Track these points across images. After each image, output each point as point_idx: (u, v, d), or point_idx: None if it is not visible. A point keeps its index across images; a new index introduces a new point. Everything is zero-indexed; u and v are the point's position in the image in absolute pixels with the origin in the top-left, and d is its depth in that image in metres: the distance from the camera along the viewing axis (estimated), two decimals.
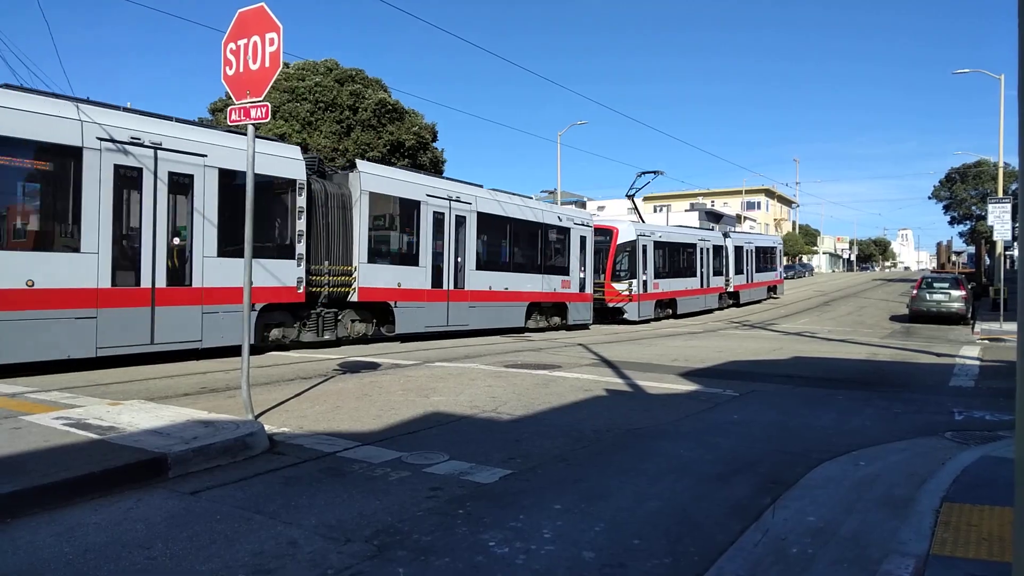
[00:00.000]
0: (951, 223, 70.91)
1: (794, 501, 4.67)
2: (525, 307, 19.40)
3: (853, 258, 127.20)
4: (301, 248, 13.00)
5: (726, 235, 33.92)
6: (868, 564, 3.60)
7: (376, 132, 32.21)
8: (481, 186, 18.70)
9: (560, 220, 21.31)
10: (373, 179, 14.76)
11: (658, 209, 79.43)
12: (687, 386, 9.78)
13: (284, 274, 12.71)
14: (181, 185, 11.30)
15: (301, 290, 12.95)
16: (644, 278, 25.02)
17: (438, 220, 16.17)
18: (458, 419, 7.25)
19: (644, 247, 25.10)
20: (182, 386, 8.74)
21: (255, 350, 12.15)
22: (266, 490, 4.84)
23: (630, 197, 29.00)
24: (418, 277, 15.59)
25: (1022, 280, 2.04)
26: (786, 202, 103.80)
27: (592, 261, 22.89)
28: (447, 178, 18.46)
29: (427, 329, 15.81)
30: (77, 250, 9.88)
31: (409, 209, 15.61)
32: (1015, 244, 24.82)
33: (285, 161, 12.86)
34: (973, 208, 65.62)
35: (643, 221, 28.76)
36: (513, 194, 20.65)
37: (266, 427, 6.19)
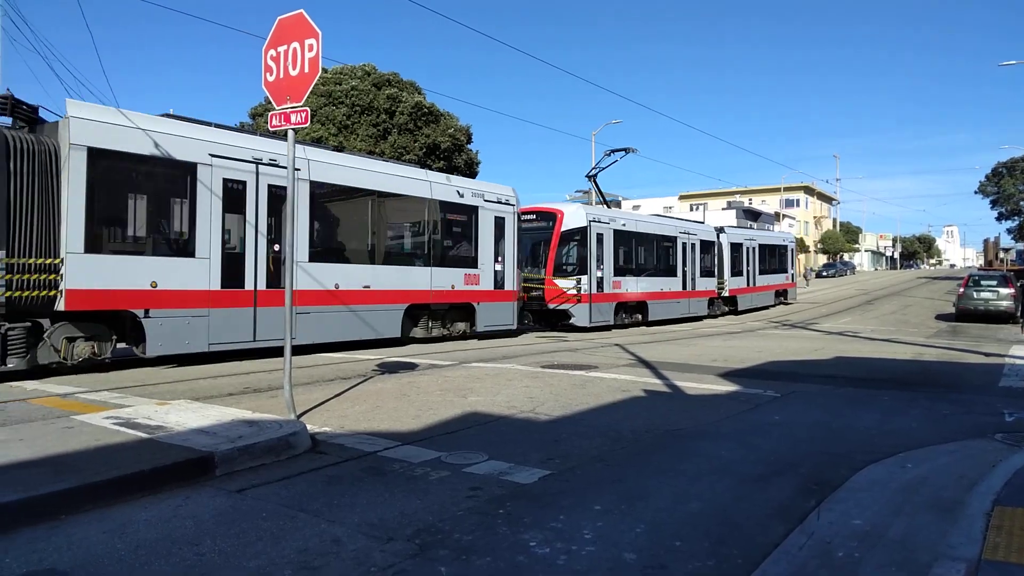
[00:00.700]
0: (998, 219, 68.94)
1: (839, 503, 4.59)
2: (402, 311, 14.60)
3: (896, 256, 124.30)
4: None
5: (721, 230, 28.99)
6: (917, 568, 3.53)
7: (412, 135, 32.50)
8: (320, 146, 14.62)
9: (461, 196, 16.13)
10: (97, 129, 9.94)
11: (694, 208, 78.66)
12: (727, 387, 9.67)
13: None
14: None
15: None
16: (599, 274, 20.50)
17: (234, 192, 11.62)
18: (496, 419, 7.28)
19: (599, 236, 20.66)
20: (226, 386, 8.93)
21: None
22: (309, 489, 4.93)
23: (591, 178, 25.47)
24: (193, 273, 11.06)
25: None
26: (826, 199, 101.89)
27: (515, 250, 17.71)
28: (256, 135, 13.01)
29: (217, 347, 11.29)
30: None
31: (174, 175, 11.05)
32: None
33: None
34: (1021, 203, 63.60)
35: (608, 206, 25.19)
36: (379, 158, 17.20)
37: (308, 427, 6.29)
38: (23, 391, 8.47)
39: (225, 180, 11.58)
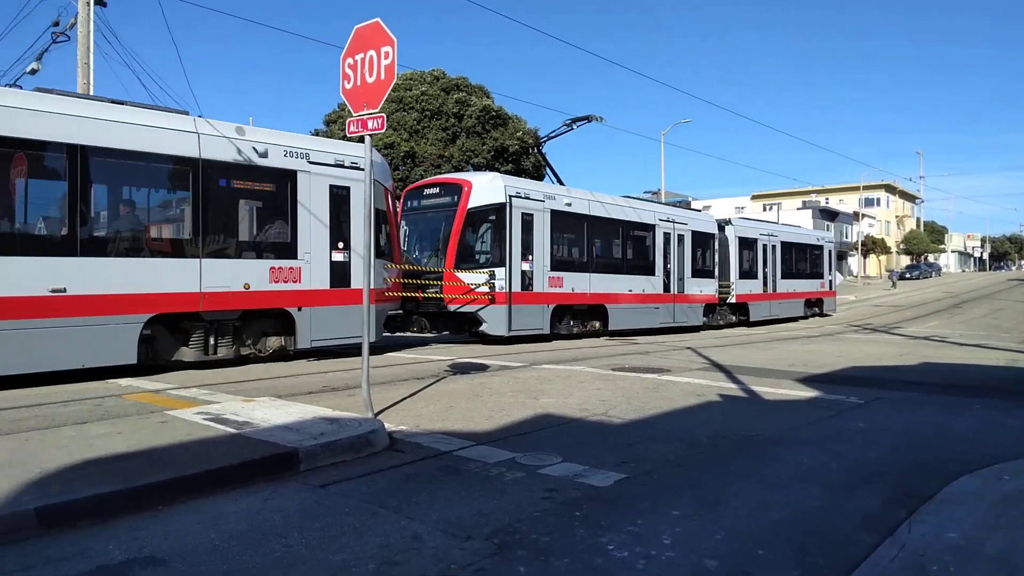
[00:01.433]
0: None
1: (931, 515, 4.39)
2: (139, 324, 9.70)
3: (985, 257, 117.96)
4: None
5: (727, 221, 24.16)
6: None
7: (480, 138, 32.83)
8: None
9: (262, 155, 11.00)
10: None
11: (768, 208, 76.65)
12: (806, 392, 9.38)
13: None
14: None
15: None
16: (526, 267, 15.75)
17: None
18: (568, 421, 7.28)
19: (527, 217, 15.93)
20: (306, 385, 9.22)
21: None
22: (388, 486, 5.04)
23: (537, 147, 21.36)
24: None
25: None
26: (909, 197, 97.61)
27: (370, 232, 9.00)
28: None
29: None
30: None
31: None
32: None
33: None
34: None
35: (560, 183, 19.27)
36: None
37: (385, 425, 6.43)
38: (118, 387, 8.96)
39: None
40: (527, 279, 15.99)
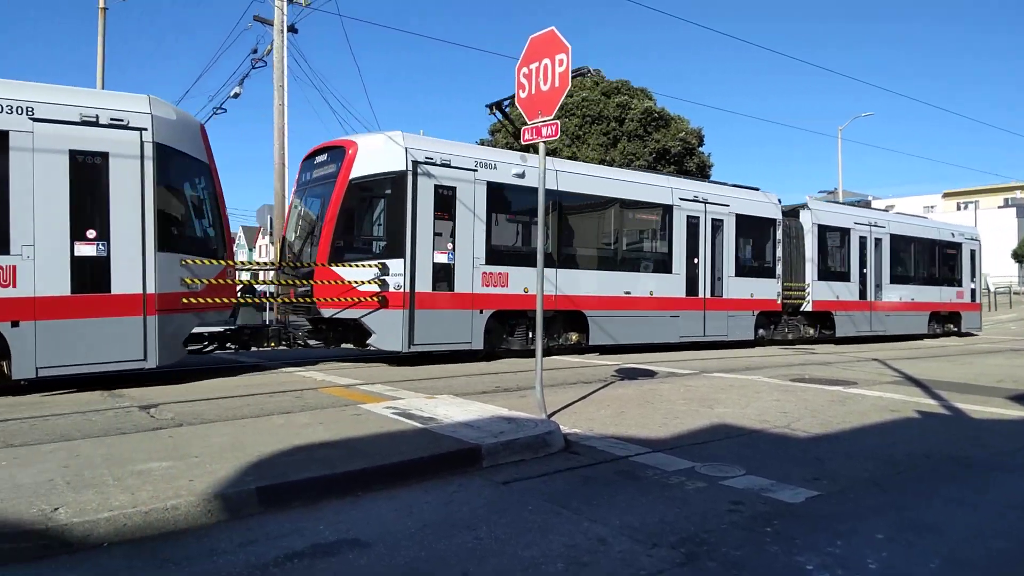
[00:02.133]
0: None
1: None
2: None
3: None
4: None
5: (802, 207, 18.78)
6: None
7: (642, 141, 32.43)
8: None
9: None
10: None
11: (962, 207, 69.15)
12: (1020, 411, 8.36)
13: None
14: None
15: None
16: (440, 259, 11.87)
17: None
18: (747, 432, 6.98)
19: (442, 191, 11.94)
20: (478, 384, 9.56)
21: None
22: (567, 487, 5.10)
23: (496, 106, 14.62)
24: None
25: None
26: None
27: (150, 217, 9.00)
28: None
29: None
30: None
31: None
32: None
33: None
34: None
35: (521, 149, 14.32)
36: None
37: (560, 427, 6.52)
38: (314, 381, 9.77)
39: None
40: (442, 275, 11.88)
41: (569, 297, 13.59)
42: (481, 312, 12.29)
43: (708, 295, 16.12)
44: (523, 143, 7.86)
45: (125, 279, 8.83)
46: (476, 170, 12.38)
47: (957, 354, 16.53)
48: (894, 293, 20.62)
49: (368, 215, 12.05)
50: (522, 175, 12.87)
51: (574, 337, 13.97)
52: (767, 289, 17.39)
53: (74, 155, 8.60)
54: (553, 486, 5.10)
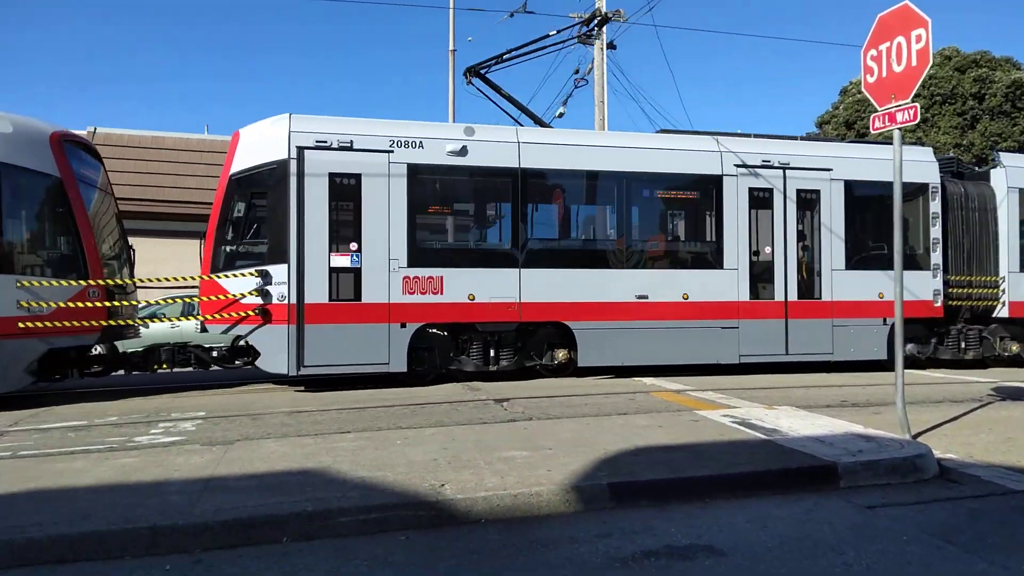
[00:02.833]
0: None
1: None
2: None
3: None
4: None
5: (993, 164, 13.18)
6: None
7: (1009, 119, 27.36)
8: None
9: None
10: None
11: None
12: None
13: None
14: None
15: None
16: (340, 262, 9.84)
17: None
18: None
19: (339, 180, 9.93)
20: (820, 397, 8.84)
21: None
22: (949, 519, 4.45)
23: (473, 72, 12.18)
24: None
25: None
26: None
27: None
28: None
29: None
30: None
31: None
32: None
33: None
34: None
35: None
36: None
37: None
38: (643, 385, 9.95)
39: None
40: (344, 281, 9.88)
41: (542, 305, 10.53)
42: (403, 326, 10.02)
43: (793, 297, 11.57)
44: (873, 131, 7.13)
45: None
46: (391, 151, 10.06)
47: None
48: None
49: (251, 214, 10.17)
50: (461, 151, 10.28)
51: (561, 355, 10.78)
52: (914, 286, 11.67)
53: None
54: (931, 517, 4.49)
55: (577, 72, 22.95)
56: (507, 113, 13.02)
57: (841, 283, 11.67)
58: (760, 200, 11.50)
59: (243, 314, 9.63)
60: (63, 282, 9.14)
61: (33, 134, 9.26)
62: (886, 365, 11.50)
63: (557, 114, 23.19)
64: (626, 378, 10.75)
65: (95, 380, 10.70)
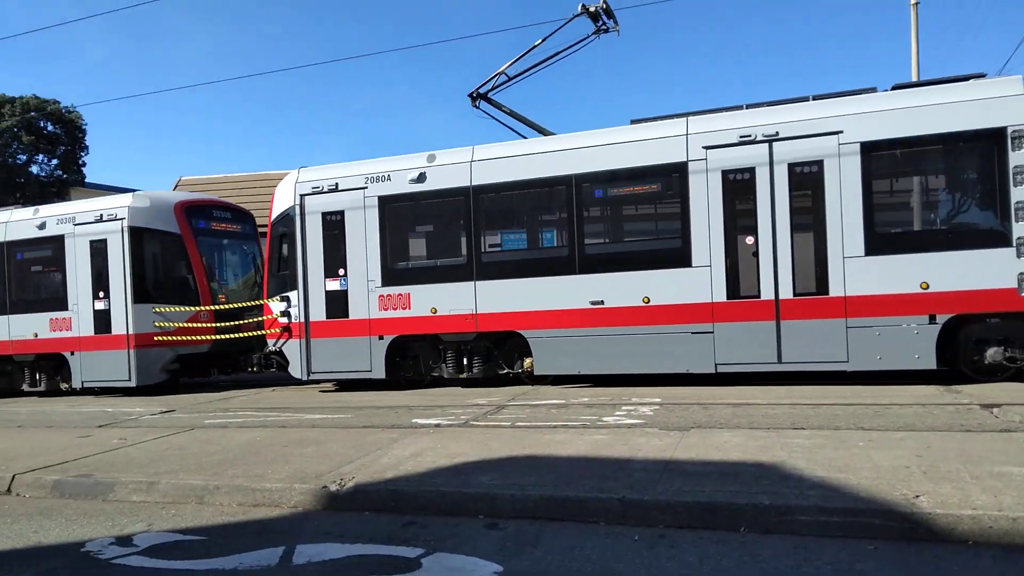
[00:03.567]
0: None
1: None
2: None
3: None
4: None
5: None
6: None
7: None
8: None
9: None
10: None
11: None
12: None
13: (993, 269, 8.28)
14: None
15: None
16: (332, 286, 11.55)
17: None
18: None
19: (329, 218, 11.58)
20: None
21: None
22: None
23: (479, 96, 11.87)
24: None
25: None
26: None
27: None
28: None
29: None
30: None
31: None
32: None
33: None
34: None
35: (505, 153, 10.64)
36: None
37: None
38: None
39: None
40: (336, 302, 11.57)
41: (497, 315, 10.69)
42: (381, 338, 11.32)
43: (788, 294, 9.28)
44: None
45: (118, 325, 12.92)
46: (365, 187, 11.45)
47: None
48: None
49: (282, 252, 12.33)
50: (420, 178, 11.12)
51: (528, 363, 10.87)
52: (987, 269, 8.46)
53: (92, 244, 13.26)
54: None
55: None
56: (516, 131, 12.45)
57: (860, 273, 9.04)
58: (738, 184, 9.58)
59: (278, 330, 12.13)
60: (182, 308, 13.03)
61: (163, 205, 13.35)
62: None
63: None
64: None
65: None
